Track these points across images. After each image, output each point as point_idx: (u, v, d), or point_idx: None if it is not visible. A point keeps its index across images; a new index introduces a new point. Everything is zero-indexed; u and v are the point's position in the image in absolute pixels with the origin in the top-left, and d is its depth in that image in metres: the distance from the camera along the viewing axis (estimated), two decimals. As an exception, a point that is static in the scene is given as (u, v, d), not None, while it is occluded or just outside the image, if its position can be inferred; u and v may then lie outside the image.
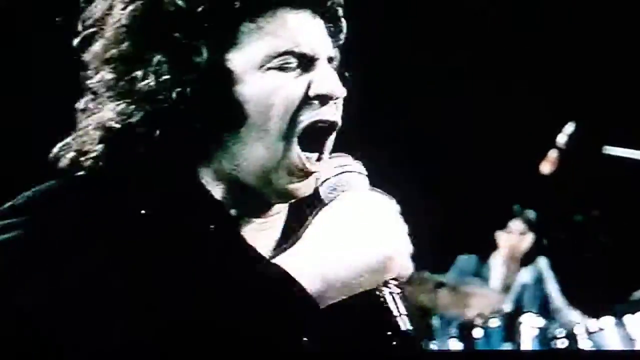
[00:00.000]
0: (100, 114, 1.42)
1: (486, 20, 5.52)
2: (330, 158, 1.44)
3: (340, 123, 1.45)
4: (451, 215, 5.85)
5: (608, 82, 5.44)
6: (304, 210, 1.47)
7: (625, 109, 5.31)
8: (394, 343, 1.37)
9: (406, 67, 5.46)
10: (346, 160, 1.44)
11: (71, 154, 1.44)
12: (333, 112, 1.43)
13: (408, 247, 1.36)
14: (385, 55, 5.11)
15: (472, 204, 5.80)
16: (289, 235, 1.45)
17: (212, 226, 1.40)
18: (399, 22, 5.18)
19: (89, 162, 1.42)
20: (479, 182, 5.80)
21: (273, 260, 1.31)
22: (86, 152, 1.42)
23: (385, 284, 1.34)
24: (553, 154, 3.97)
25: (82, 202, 1.35)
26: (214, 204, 1.43)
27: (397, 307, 1.34)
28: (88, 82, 1.45)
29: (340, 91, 1.43)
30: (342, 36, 1.52)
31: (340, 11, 1.50)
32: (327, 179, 1.41)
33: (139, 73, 1.38)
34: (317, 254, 1.30)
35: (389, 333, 1.35)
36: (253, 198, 1.44)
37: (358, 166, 1.44)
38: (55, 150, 1.46)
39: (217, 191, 1.44)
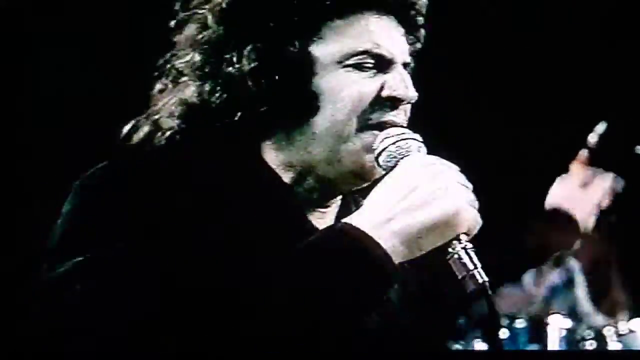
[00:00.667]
0: (182, 92, 1.49)
1: (518, 17, 5.47)
2: (384, 131, 1.48)
3: (406, 125, 1.50)
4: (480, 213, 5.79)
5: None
6: (354, 201, 1.55)
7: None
8: (470, 298, 1.40)
9: (439, 64, 5.42)
10: (401, 130, 1.48)
11: (146, 128, 1.50)
12: (402, 116, 1.50)
13: (474, 201, 1.39)
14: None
15: (503, 202, 5.74)
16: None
17: (279, 209, 1.45)
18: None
19: (166, 135, 1.48)
20: (509, 182, 5.75)
21: (344, 220, 1.34)
22: (162, 127, 1.49)
23: (457, 238, 1.36)
24: (584, 153, 3.91)
25: (154, 175, 1.39)
26: (283, 188, 1.48)
27: (472, 261, 1.36)
28: (177, 62, 1.51)
29: (411, 95, 1.48)
30: (419, 45, 1.59)
31: (421, 20, 1.55)
32: (385, 148, 1.45)
33: (229, 57, 1.43)
34: (389, 213, 1.33)
35: (464, 288, 1.37)
36: (322, 184, 1.49)
37: (414, 135, 1.48)
38: (127, 128, 1.52)
39: (285, 176, 1.49)
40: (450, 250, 1.37)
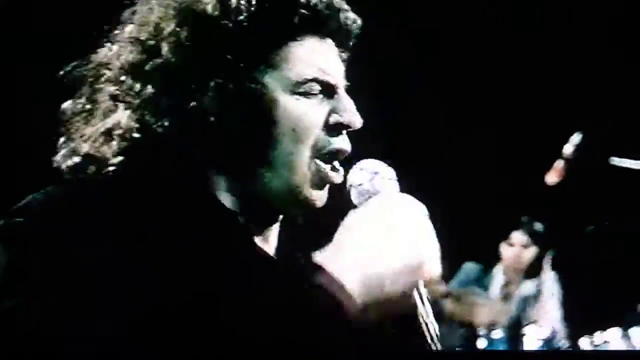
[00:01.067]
0: (112, 119, 1.44)
1: (493, 29, 5.52)
2: (360, 163, 1.48)
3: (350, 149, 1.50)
4: (457, 223, 5.82)
5: (615, 92, 5.42)
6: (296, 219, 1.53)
7: (632, 120, 5.28)
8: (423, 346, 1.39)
9: (410, 73, 5.45)
10: (376, 164, 1.47)
11: (76, 160, 1.44)
12: (348, 141, 1.49)
13: (438, 249, 1.37)
14: (389, 59, 5.10)
15: (480, 213, 5.77)
16: (285, 243, 1.53)
17: (223, 233, 1.42)
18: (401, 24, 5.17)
19: (103, 167, 1.43)
20: (487, 191, 5.78)
21: (315, 260, 1.31)
22: (98, 159, 1.44)
23: (416, 285, 1.36)
24: (559, 164, 3.94)
25: (93, 205, 1.34)
26: (226, 212, 1.45)
27: (426, 310, 1.37)
28: (107, 86, 1.45)
29: (358, 122, 1.49)
30: (346, 63, 1.56)
31: (353, 41, 1.55)
32: (359, 184, 1.45)
33: (191, 92, 1.41)
34: (354, 256, 1.30)
35: (418, 336, 1.37)
36: (269, 211, 1.49)
37: (389, 171, 1.47)
38: (59, 157, 1.46)
39: (228, 201, 1.46)
40: (409, 294, 1.36)
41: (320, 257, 1.31)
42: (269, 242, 1.52)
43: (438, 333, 1.37)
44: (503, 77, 5.66)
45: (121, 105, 1.44)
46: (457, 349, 4.80)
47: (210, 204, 1.45)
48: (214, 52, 1.41)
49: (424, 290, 1.37)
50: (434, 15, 5.40)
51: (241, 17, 1.41)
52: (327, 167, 1.47)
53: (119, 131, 1.43)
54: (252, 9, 1.42)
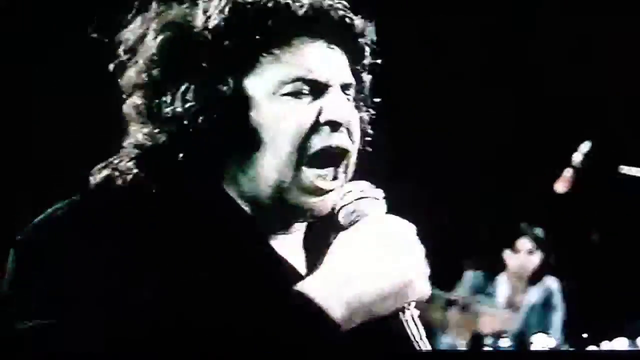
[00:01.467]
0: (133, 134, 1.48)
1: (503, 37, 5.50)
2: (347, 184, 1.48)
3: (353, 148, 1.49)
4: (460, 231, 5.81)
5: (625, 100, 5.41)
6: (323, 226, 1.51)
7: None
8: None
9: (417, 79, 5.43)
10: (363, 185, 1.47)
11: (105, 172, 1.48)
12: (344, 138, 1.47)
13: (426, 270, 1.39)
14: (394, 63, 5.08)
15: (481, 220, 5.75)
16: (310, 250, 1.52)
17: (242, 238, 1.45)
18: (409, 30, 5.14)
19: (124, 177, 1.47)
20: (489, 198, 5.76)
21: (296, 287, 1.34)
22: (120, 170, 1.48)
23: (404, 307, 1.37)
24: (568, 173, 3.92)
25: (114, 216, 1.38)
26: (245, 218, 1.48)
27: (418, 330, 1.38)
28: (124, 105, 1.51)
29: (350, 117, 1.47)
30: (366, 62, 1.56)
31: (361, 41, 1.53)
32: (344, 205, 1.44)
33: (166, 99, 1.44)
34: (340, 280, 1.33)
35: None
36: (272, 215, 1.48)
37: (376, 192, 1.46)
38: (95, 170, 1.50)
39: (245, 206, 1.48)
40: (397, 317, 1.38)
41: (310, 284, 1.33)
42: (287, 247, 1.51)
43: (428, 348, 1.39)
44: (510, 83, 5.65)
45: (134, 122, 1.48)
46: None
47: (226, 208, 1.47)
48: (186, 60, 1.44)
49: (414, 311, 1.38)
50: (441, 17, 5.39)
51: (215, 25, 1.43)
52: (312, 173, 1.45)
53: (134, 143, 1.48)
54: (226, 16, 1.43)
